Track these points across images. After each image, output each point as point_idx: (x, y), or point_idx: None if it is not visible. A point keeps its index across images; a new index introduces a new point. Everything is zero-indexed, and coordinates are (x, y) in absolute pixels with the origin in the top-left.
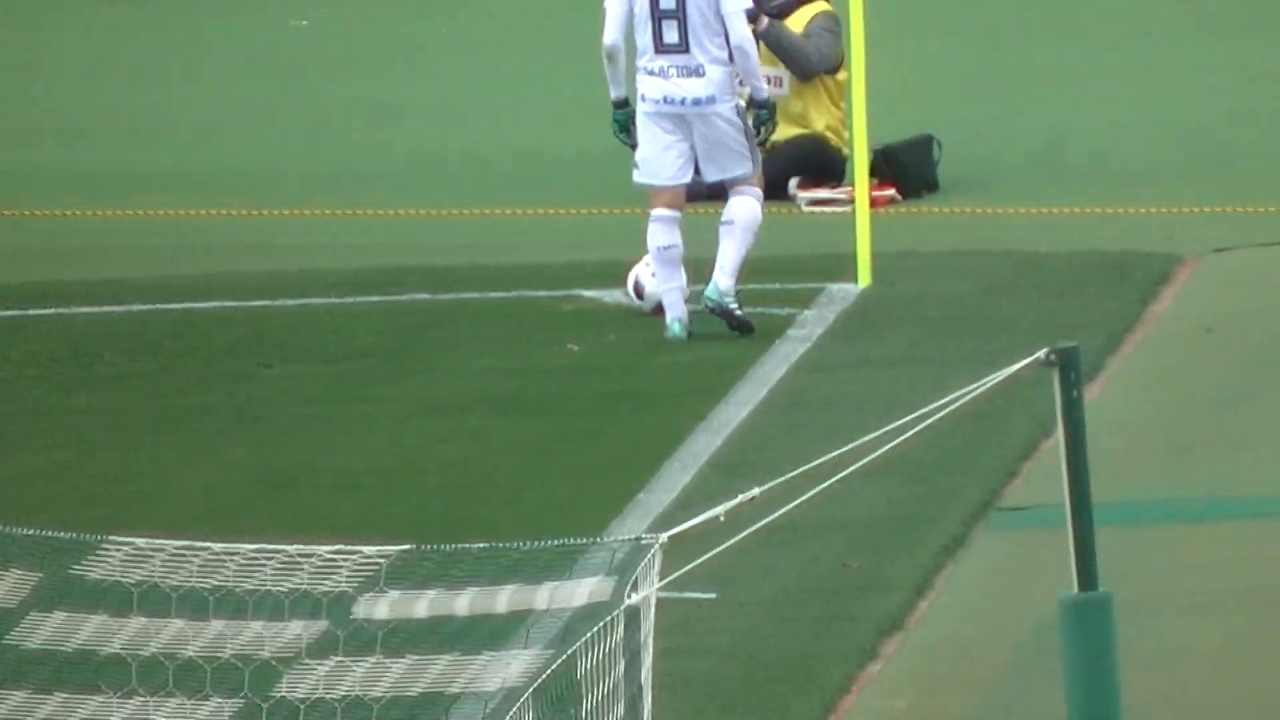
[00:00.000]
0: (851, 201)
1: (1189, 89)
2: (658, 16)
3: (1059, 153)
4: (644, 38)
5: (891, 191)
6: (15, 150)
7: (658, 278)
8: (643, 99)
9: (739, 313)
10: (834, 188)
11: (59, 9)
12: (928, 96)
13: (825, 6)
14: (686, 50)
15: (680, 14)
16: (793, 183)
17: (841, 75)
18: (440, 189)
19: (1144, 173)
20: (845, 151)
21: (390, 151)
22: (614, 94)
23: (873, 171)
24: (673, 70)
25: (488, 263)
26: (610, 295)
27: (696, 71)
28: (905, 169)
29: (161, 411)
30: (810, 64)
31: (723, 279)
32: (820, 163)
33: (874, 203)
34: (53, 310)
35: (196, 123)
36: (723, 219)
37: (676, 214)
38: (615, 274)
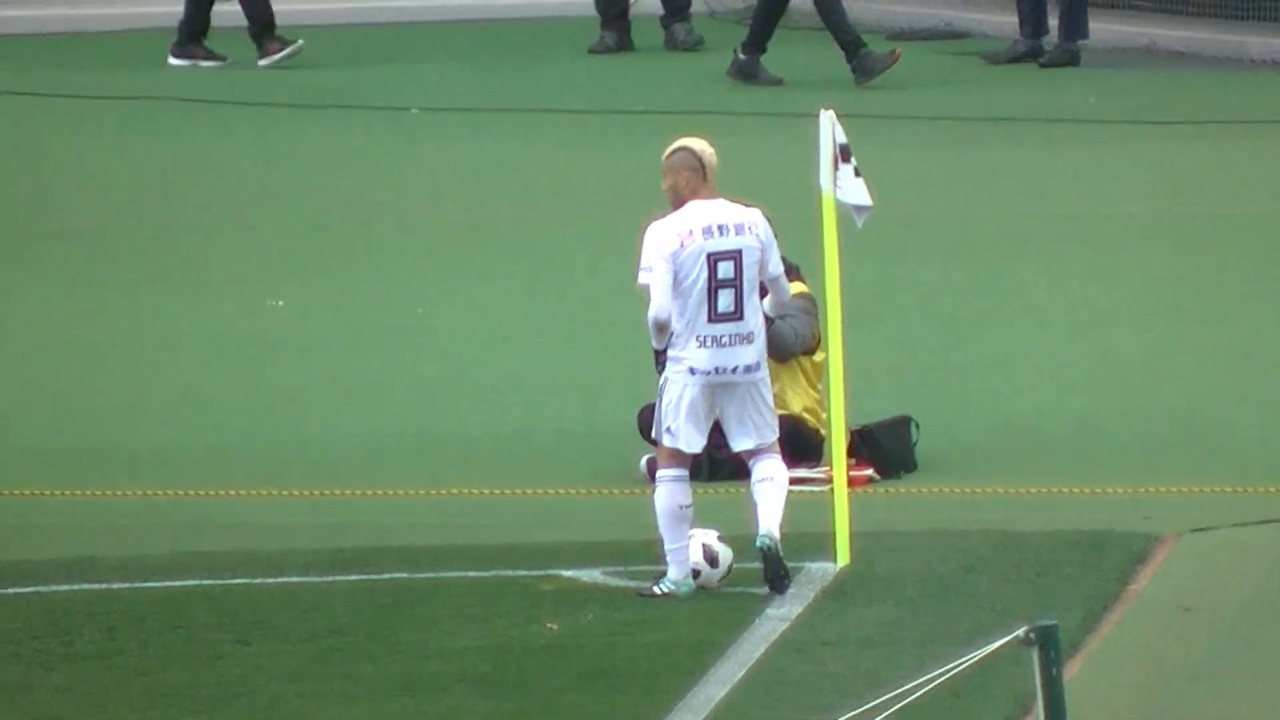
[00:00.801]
0: (829, 481)
1: (1152, 373)
2: (714, 286)
3: (1035, 434)
4: (694, 307)
5: (869, 471)
6: None
7: (669, 535)
8: (691, 372)
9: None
10: (811, 467)
11: (34, 299)
12: (905, 378)
13: (802, 287)
14: (741, 317)
15: (737, 281)
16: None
17: (819, 356)
18: (416, 468)
19: (1118, 453)
20: (823, 432)
21: (366, 431)
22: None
23: (850, 452)
24: (726, 338)
25: (465, 542)
26: (589, 574)
27: (748, 338)
28: (883, 449)
29: (142, 689)
30: (787, 346)
31: (774, 528)
32: (797, 443)
33: (852, 482)
34: (31, 588)
35: (166, 401)
36: (760, 478)
37: (688, 472)
38: (594, 553)
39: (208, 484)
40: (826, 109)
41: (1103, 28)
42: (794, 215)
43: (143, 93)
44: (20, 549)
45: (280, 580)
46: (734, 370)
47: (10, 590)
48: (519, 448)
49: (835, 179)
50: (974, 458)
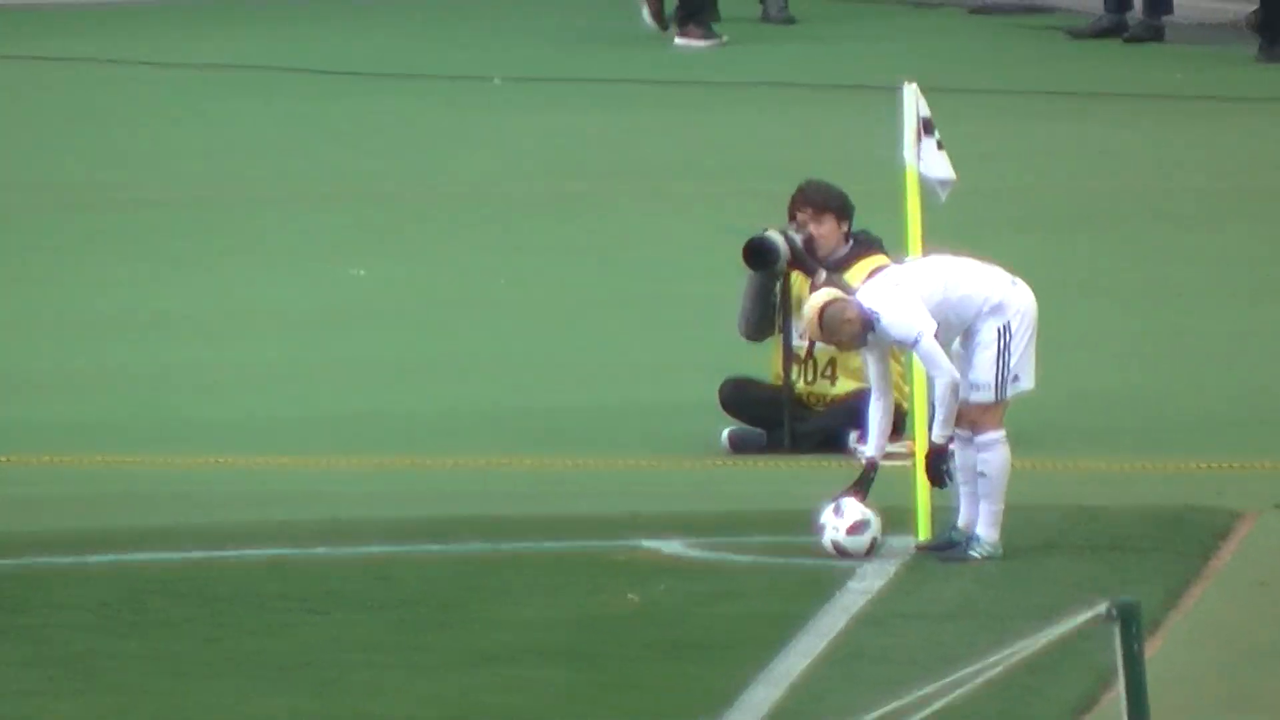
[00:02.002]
0: (911, 455)
1: (1229, 351)
2: None
3: (1111, 410)
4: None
5: (951, 446)
6: (51, 399)
7: (999, 496)
8: (1025, 315)
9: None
10: (893, 441)
11: (113, 269)
12: None
13: (883, 259)
14: None
15: None
16: (852, 436)
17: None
18: (493, 439)
19: (1195, 430)
20: (905, 405)
21: (443, 402)
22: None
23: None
24: None
25: (542, 513)
26: (669, 545)
27: None
28: None
29: (213, 657)
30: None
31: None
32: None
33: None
34: (108, 556)
35: (244, 372)
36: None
37: None
38: (674, 524)
39: (283, 453)
40: (909, 82)
41: (1188, 3)
42: (876, 188)
43: (226, 61)
44: (97, 517)
45: (354, 550)
46: None
47: (89, 559)
48: (596, 420)
49: (918, 152)
50: (1051, 433)
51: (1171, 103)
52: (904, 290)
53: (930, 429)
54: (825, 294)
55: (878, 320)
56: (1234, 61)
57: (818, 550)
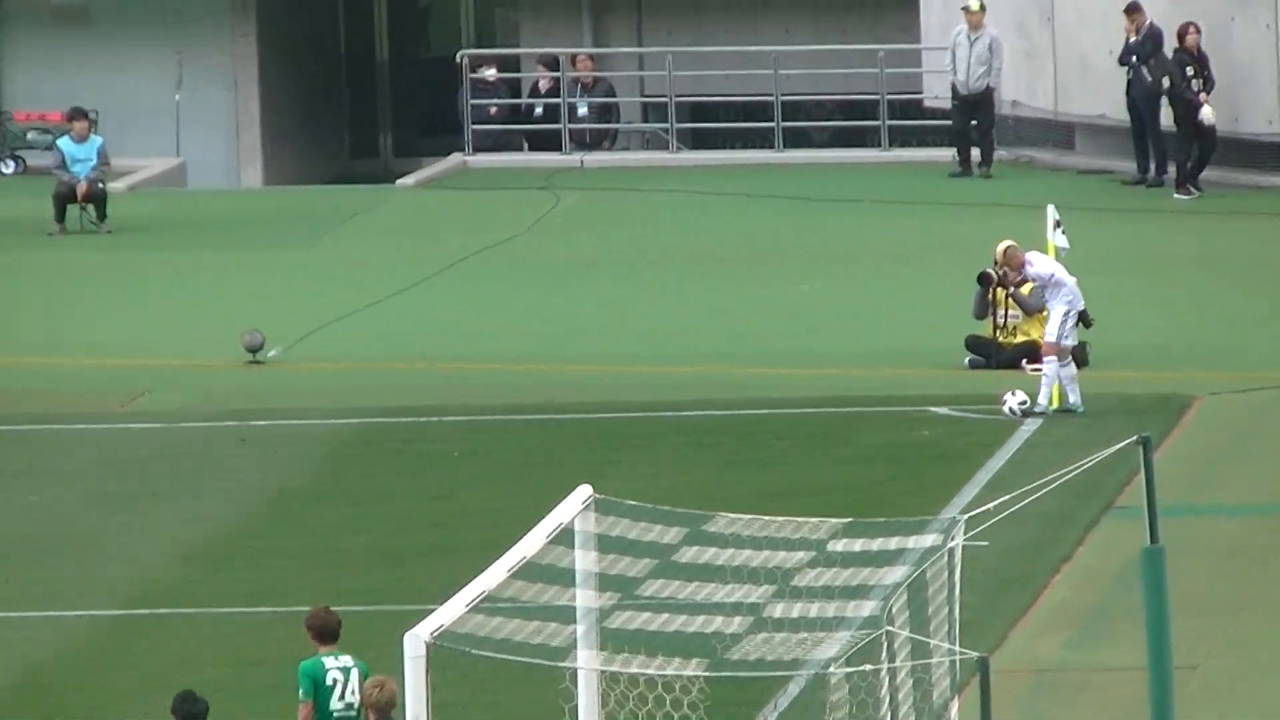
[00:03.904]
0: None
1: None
2: None
3: (1126, 347)
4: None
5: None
6: None
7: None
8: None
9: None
10: (1038, 363)
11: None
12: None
13: (1030, 284)
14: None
15: None
16: (1024, 362)
17: (1044, 314)
18: (867, 362)
19: (1166, 354)
20: (1086, 349)
21: (838, 344)
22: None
23: (1060, 356)
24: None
25: (884, 394)
26: (943, 410)
27: None
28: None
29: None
30: (1030, 309)
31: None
32: (1034, 352)
33: (1044, 351)
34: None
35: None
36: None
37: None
38: (947, 400)
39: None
40: (1050, 205)
41: None
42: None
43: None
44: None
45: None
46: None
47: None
48: (911, 352)
49: (1054, 235)
50: (1097, 359)
51: None
52: (1046, 258)
53: (1056, 339)
54: (1008, 241)
55: (1030, 265)
56: None
57: (1003, 411)
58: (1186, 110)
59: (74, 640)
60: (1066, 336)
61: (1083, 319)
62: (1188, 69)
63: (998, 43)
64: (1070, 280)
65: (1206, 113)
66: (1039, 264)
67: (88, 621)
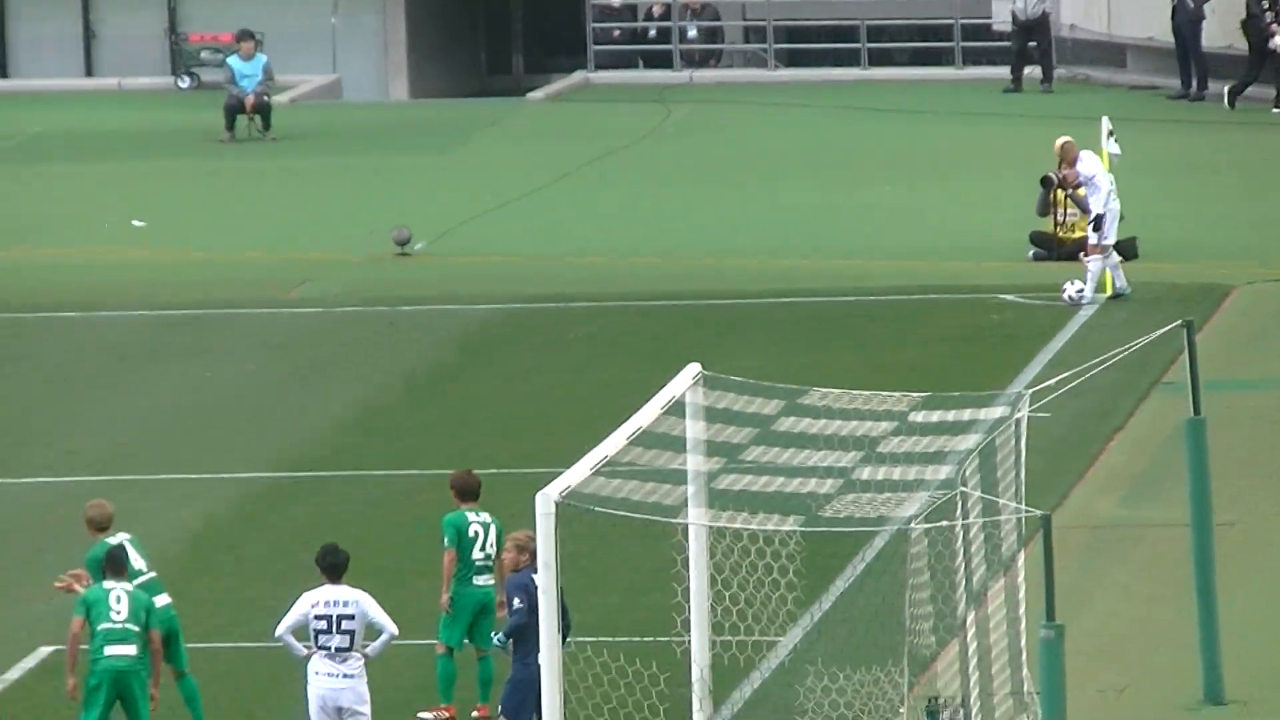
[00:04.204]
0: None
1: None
2: None
3: (1168, 246)
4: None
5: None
6: None
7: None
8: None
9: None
10: (1088, 253)
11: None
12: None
13: (1096, 159)
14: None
15: None
16: (1082, 255)
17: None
18: (936, 254)
19: (1206, 249)
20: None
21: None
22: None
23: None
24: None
25: (957, 283)
26: (1012, 296)
27: None
28: (1121, 247)
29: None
30: (1087, 209)
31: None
32: (1082, 244)
33: (1090, 251)
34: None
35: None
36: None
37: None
38: (1011, 288)
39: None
40: (1104, 116)
41: None
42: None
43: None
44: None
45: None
46: None
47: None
48: (980, 247)
49: (1107, 142)
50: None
51: None
52: (1095, 160)
53: (1098, 241)
54: (1066, 137)
55: (1080, 160)
56: None
57: (1063, 298)
58: (1259, 37)
59: (248, 496)
60: (1106, 237)
61: (1124, 251)
62: (1263, 0)
63: None
64: (1106, 184)
65: (1278, 41)
66: (1087, 163)
67: (255, 482)
